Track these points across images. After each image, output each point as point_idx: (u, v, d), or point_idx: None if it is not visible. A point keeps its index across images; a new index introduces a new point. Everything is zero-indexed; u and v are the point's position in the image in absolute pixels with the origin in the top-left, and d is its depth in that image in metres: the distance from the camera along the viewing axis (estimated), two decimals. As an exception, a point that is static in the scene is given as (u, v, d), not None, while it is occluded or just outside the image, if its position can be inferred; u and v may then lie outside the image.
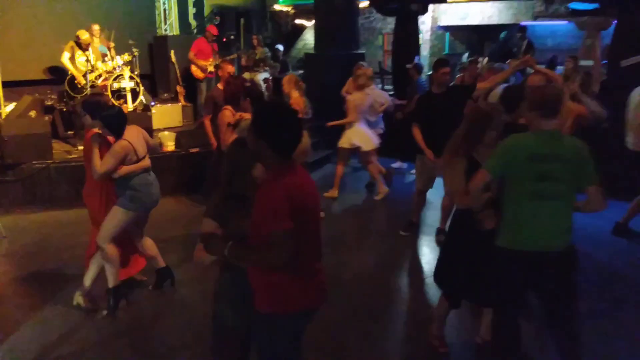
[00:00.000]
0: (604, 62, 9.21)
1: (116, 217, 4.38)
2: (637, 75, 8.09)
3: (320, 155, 9.36)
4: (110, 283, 4.49)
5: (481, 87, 5.76)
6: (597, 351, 3.83)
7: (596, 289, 4.85)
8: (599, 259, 5.55)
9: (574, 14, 10.46)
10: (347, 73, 8.38)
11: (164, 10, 12.66)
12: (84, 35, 8.56)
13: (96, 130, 4.34)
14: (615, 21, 8.89)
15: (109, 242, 4.38)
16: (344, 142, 7.54)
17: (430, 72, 9.95)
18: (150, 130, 8.24)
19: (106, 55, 8.97)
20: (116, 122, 4.31)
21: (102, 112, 4.31)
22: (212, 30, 10.20)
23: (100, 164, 4.23)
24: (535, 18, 12.66)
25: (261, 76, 10.34)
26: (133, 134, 4.41)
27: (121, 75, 8.76)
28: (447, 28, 14.46)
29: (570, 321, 3.26)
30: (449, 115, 5.08)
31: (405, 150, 6.28)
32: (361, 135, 7.48)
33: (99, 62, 8.81)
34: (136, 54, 9.13)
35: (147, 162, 4.51)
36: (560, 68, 10.47)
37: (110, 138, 4.37)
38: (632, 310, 4.59)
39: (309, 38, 15.23)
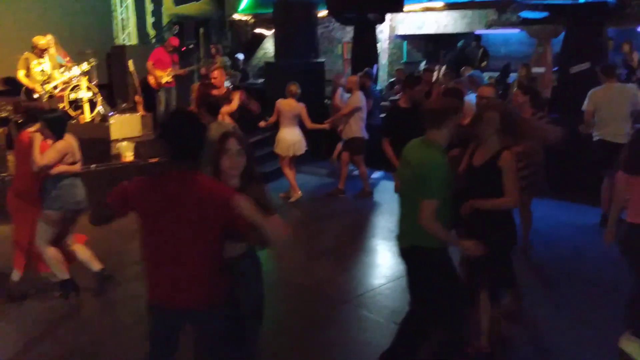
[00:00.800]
0: (555, 68, 9.55)
1: (45, 219, 4.69)
2: (586, 81, 8.43)
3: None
4: (60, 277, 4.86)
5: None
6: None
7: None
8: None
9: (525, 23, 10.79)
10: (308, 81, 8.49)
11: (122, 19, 12.53)
12: (40, 40, 8.35)
13: (32, 129, 4.63)
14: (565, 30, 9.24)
15: (46, 245, 4.72)
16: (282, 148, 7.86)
17: (392, 81, 10.19)
18: (108, 141, 8.15)
19: (63, 65, 8.83)
20: (59, 124, 4.65)
21: (45, 115, 4.65)
22: (173, 41, 10.16)
23: (41, 157, 4.51)
24: (488, 27, 12.99)
25: (222, 85, 10.32)
26: (71, 138, 4.76)
27: (78, 85, 8.62)
28: (404, 37, 14.71)
29: (415, 319, 3.69)
30: (418, 130, 5.30)
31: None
32: (295, 140, 7.80)
33: (55, 72, 8.64)
34: (93, 63, 9.00)
35: (79, 167, 4.82)
36: (513, 75, 10.81)
37: (49, 141, 4.62)
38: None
39: (269, 47, 15.27)
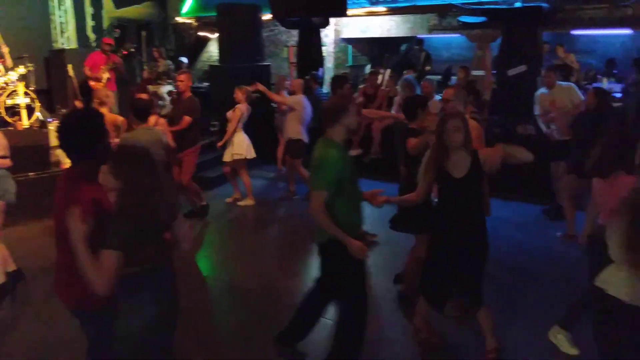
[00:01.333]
0: (494, 71, 9.86)
1: None
2: (523, 83, 8.77)
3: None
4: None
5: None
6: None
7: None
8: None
9: (464, 27, 11.09)
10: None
11: (60, 23, 12.15)
12: None
13: None
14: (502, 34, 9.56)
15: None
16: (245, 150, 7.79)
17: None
18: (47, 148, 7.89)
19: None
20: None
21: None
22: (107, 40, 9.96)
23: None
24: (430, 31, 13.31)
25: (165, 89, 10.19)
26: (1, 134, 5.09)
27: (15, 91, 8.32)
28: (349, 40, 14.88)
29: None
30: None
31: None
32: (246, 145, 7.78)
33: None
34: (31, 68, 8.71)
35: (9, 162, 5.08)
36: (454, 78, 11.10)
37: None
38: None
39: (213, 50, 15.14)
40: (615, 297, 2.89)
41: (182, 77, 7.42)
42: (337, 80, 6.47)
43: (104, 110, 6.29)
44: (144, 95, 6.84)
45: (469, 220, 3.78)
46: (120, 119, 6.41)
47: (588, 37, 12.94)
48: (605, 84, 11.13)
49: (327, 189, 3.44)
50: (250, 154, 7.77)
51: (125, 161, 2.78)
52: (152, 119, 6.03)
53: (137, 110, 5.72)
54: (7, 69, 8.55)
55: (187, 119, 7.05)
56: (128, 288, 2.78)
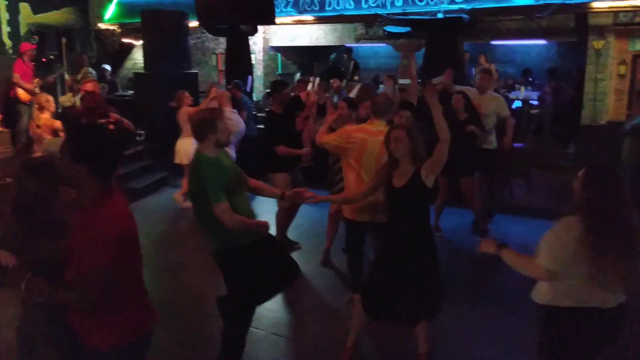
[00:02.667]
0: (419, 80, 10.12)
1: None
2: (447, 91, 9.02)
3: (156, 177, 9.10)
4: None
5: None
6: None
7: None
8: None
9: (390, 37, 11.36)
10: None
11: (-27, 29, 11.50)
12: None
13: None
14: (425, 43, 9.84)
15: None
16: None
17: (268, 91, 10.18)
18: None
19: None
20: None
21: None
22: (22, 47, 9.52)
23: None
24: (357, 40, 13.54)
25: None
26: None
27: None
28: (278, 49, 14.89)
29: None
30: (293, 133, 6.02)
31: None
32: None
33: None
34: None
35: None
36: (382, 86, 11.31)
37: None
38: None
39: (138, 57, 14.73)
40: (554, 305, 2.87)
41: (89, 85, 7.30)
42: (275, 85, 6.45)
43: (44, 115, 6.12)
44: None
45: (407, 231, 3.77)
46: (58, 123, 6.31)
47: (507, 47, 13.57)
48: (522, 92, 11.69)
49: (224, 197, 3.47)
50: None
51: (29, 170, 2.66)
52: None
53: (67, 121, 5.57)
54: None
55: None
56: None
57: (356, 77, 13.04)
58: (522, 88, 11.80)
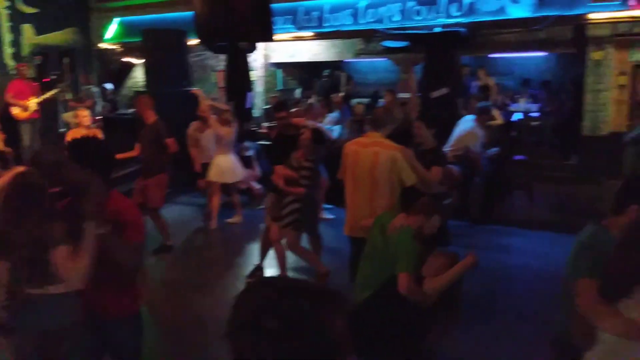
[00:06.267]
0: (419, 93, 10.16)
1: None
2: (445, 104, 9.07)
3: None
4: None
5: None
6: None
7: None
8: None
9: (389, 52, 11.42)
10: (182, 110, 8.34)
11: (-22, 51, 11.61)
12: None
13: None
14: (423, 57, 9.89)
15: None
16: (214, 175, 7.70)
17: (268, 107, 10.22)
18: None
19: None
20: None
21: None
22: (20, 66, 9.64)
23: None
24: (357, 55, 13.60)
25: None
26: None
27: None
28: (278, 65, 14.97)
29: None
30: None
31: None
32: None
33: None
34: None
35: None
36: (382, 100, 11.37)
37: None
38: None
39: (138, 76, 14.83)
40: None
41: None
42: (277, 106, 6.57)
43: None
44: None
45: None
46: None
47: (505, 59, 13.60)
48: (522, 103, 11.71)
49: None
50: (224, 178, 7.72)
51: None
52: None
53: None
54: None
55: None
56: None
57: (347, 88, 13.00)
58: (522, 100, 11.83)
